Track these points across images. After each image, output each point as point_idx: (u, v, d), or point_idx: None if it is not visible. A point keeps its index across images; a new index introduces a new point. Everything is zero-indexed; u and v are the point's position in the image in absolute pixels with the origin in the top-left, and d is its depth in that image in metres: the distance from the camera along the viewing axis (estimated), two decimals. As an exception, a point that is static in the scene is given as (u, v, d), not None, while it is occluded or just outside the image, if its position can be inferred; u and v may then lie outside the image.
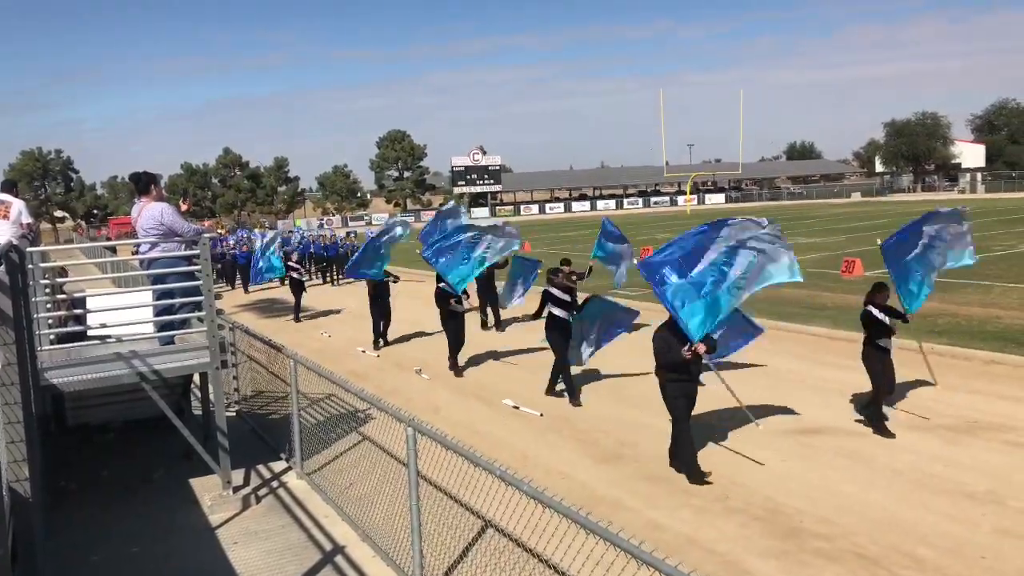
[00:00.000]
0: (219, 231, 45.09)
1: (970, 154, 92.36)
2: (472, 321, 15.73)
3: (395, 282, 16.74)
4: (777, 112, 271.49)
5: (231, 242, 32.69)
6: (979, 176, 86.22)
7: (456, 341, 13.42)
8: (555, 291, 11.11)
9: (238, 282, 29.84)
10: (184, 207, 9.14)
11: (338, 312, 21.97)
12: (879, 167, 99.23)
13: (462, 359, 13.57)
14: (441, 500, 6.99)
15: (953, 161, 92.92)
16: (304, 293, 21.48)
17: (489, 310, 17.58)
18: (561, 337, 11.05)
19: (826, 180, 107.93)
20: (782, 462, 8.45)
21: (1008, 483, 7.50)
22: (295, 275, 21.38)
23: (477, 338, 16.33)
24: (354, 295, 23.66)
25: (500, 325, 17.33)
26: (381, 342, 16.08)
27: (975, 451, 8.34)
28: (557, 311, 11.08)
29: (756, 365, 12.47)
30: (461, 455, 5.01)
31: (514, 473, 4.55)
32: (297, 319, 20.60)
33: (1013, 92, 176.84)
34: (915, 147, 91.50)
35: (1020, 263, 23.19)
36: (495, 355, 14.39)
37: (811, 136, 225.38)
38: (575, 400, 10.94)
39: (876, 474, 7.93)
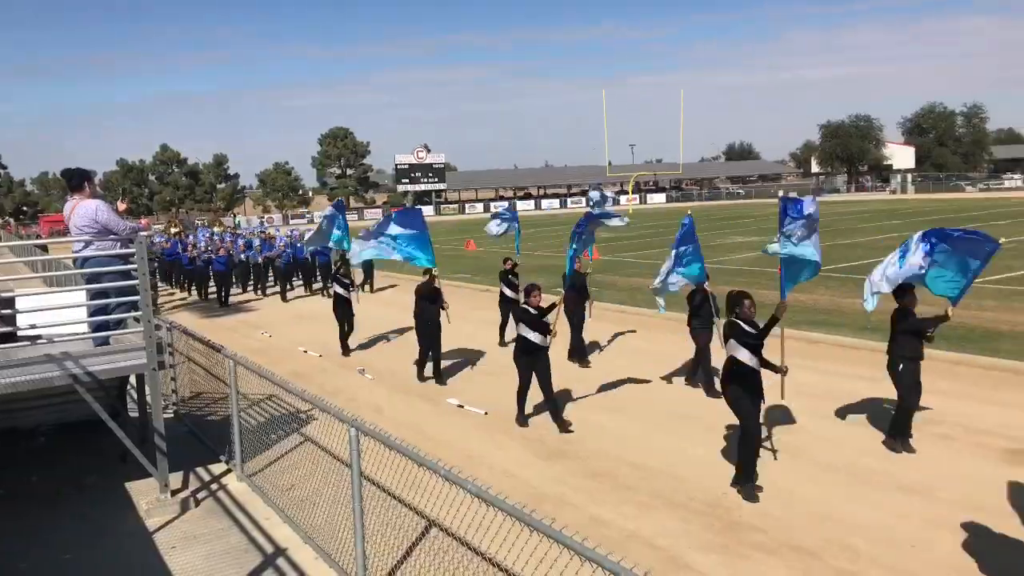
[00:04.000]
0: (171, 232, 40.19)
1: (901, 156, 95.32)
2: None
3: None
4: (717, 113, 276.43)
5: (201, 244, 27.81)
6: (909, 177, 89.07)
7: (433, 346, 12.53)
8: (532, 310, 9.73)
9: (212, 292, 24.84)
10: (121, 207, 8.90)
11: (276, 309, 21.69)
12: (815, 168, 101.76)
13: (408, 358, 13.50)
14: (385, 500, 6.96)
15: (885, 162, 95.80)
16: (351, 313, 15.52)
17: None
18: (530, 364, 9.72)
19: (764, 180, 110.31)
20: (720, 457, 8.62)
21: (936, 475, 7.77)
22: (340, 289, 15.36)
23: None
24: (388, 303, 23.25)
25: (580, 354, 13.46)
26: (343, 349, 15.08)
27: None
28: (531, 335, 9.65)
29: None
30: (405, 455, 4.99)
31: (458, 472, 4.55)
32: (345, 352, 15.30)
33: (940, 96, 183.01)
34: (849, 148, 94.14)
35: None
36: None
37: (749, 137, 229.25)
38: (562, 423, 9.75)
39: (812, 468, 8.14)
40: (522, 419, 10.05)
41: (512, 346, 10.24)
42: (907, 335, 8.58)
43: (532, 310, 9.72)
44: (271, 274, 26.94)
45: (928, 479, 7.69)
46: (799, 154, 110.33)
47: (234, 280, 25.17)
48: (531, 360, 9.74)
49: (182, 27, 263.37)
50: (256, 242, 28.53)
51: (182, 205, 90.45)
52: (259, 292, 25.81)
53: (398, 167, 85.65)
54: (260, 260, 26.37)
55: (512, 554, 4.47)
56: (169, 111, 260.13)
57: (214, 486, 8.42)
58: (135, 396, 9.94)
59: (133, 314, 8.19)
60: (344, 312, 15.11)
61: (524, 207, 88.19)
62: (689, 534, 6.82)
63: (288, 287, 24.75)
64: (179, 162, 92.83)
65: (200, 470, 8.89)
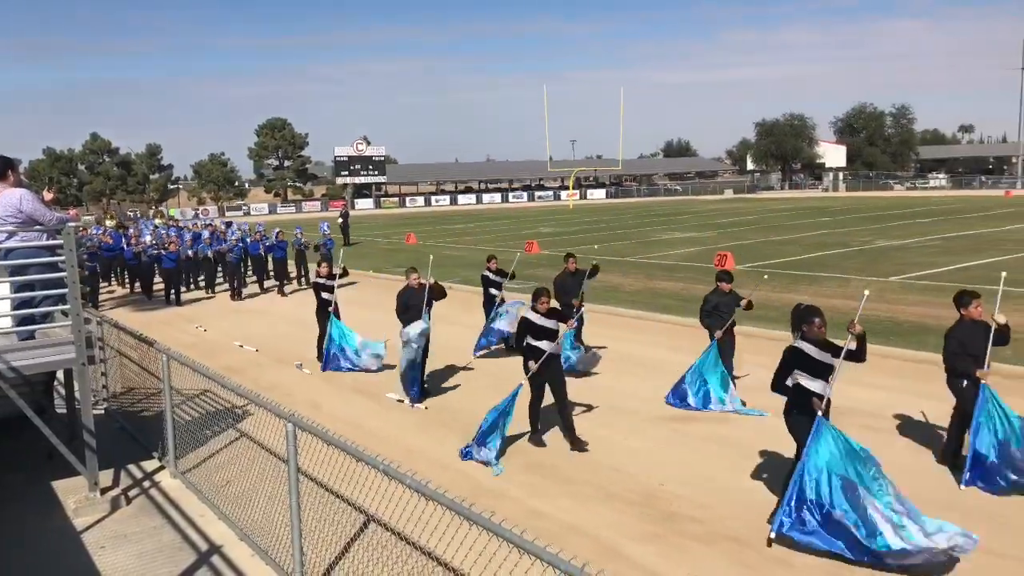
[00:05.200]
0: (108, 224, 37.54)
1: (833, 154, 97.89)
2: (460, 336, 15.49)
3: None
4: (656, 110, 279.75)
5: (146, 238, 25.31)
6: (840, 175, 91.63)
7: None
8: (535, 318, 8.90)
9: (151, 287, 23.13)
10: (48, 196, 8.59)
11: (211, 301, 21.27)
12: (750, 165, 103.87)
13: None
14: (322, 496, 6.89)
15: (818, 161, 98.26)
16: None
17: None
18: (542, 374, 8.82)
19: (701, 177, 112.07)
20: (658, 449, 8.75)
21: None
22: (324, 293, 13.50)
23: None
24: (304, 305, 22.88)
25: None
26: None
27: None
28: (540, 343, 8.82)
29: (633, 355, 12.84)
30: (343, 450, 4.96)
31: (397, 467, 4.53)
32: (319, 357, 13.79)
33: (871, 97, 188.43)
34: (783, 147, 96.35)
35: (876, 258, 24.77)
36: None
37: (687, 134, 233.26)
38: (577, 442, 8.88)
39: (746, 459, 8.32)
40: (537, 437, 9.08)
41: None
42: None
43: (537, 318, 8.81)
44: (220, 270, 24.61)
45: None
46: (735, 152, 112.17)
47: (183, 277, 23.14)
48: (543, 370, 8.79)
49: (113, 11, 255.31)
50: (205, 235, 26.81)
51: (113, 196, 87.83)
52: (209, 290, 23.75)
53: (337, 159, 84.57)
54: (210, 255, 24.06)
55: (451, 548, 4.48)
56: (100, 99, 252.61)
57: (146, 483, 8.23)
58: (63, 392, 9.65)
59: (61, 307, 7.95)
60: (327, 318, 13.20)
61: (466, 201, 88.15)
62: (626, 525, 6.91)
63: (241, 284, 22.93)
64: (110, 151, 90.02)
65: (132, 467, 8.68)
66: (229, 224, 32.07)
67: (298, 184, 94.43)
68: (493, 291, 14.14)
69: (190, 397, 9.45)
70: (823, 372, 6.45)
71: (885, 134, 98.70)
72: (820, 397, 6.38)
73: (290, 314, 18.82)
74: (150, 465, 8.72)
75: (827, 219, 43.26)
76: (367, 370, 12.56)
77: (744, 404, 10.01)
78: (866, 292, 7.27)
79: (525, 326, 8.91)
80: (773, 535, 6.31)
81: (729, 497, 7.39)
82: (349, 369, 12.73)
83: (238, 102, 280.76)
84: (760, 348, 12.33)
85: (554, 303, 9.53)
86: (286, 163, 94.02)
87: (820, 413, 6.31)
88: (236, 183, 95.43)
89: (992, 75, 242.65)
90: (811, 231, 35.77)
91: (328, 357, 12.95)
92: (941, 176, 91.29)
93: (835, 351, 6.44)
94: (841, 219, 42.95)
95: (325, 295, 13.21)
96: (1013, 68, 79.64)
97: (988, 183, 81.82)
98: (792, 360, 6.54)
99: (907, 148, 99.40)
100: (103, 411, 10.62)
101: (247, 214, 73.06)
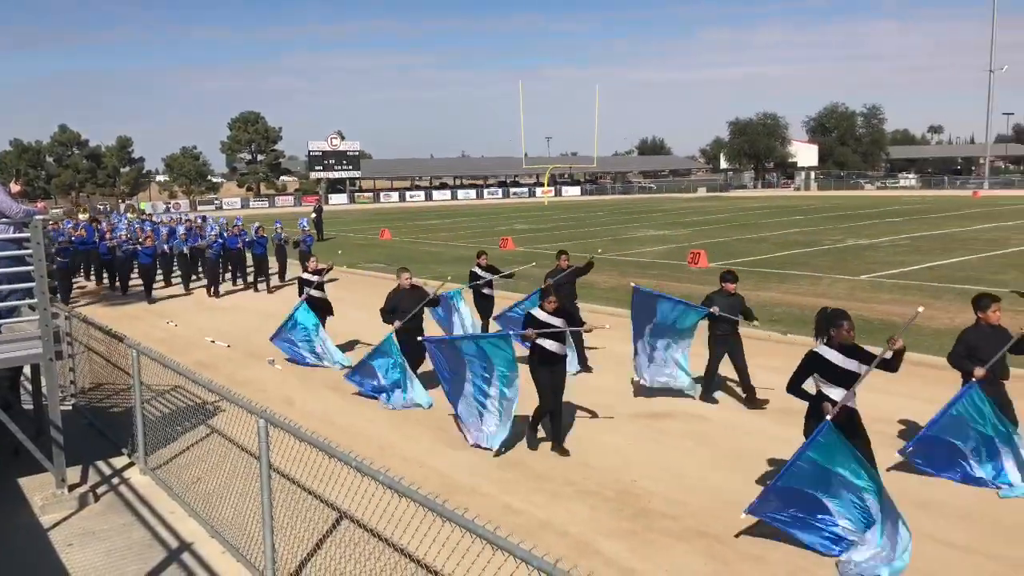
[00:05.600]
0: (80, 217, 36.00)
1: (805, 153, 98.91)
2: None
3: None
4: (631, 109, 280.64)
5: (122, 233, 24.21)
6: (812, 175, 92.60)
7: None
8: (541, 315, 8.73)
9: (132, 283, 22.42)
10: (15, 188, 8.45)
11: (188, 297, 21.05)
12: (723, 164, 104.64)
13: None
14: (295, 493, 6.85)
15: (790, 160, 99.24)
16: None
17: None
18: (549, 376, 8.64)
19: (675, 175, 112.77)
20: (632, 445, 8.79)
21: (833, 460, 8.09)
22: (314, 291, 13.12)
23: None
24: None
25: None
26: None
27: (797, 433, 8.91)
28: (548, 343, 8.60)
29: (607, 351, 12.87)
30: (315, 446, 4.92)
31: (371, 463, 4.51)
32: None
33: (843, 97, 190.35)
34: (756, 146, 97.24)
35: (846, 256, 25.05)
36: (353, 344, 14.17)
37: (661, 133, 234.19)
38: (560, 448, 8.66)
39: (719, 455, 8.38)
40: (534, 442, 8.85)
41: None
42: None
43: (544, 316, 8.63)
44: (199, 266, 23.68)
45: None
46: (709, 150, 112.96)
47: (159, 273, 22.46)
48: (550, 371, 8.62)
49: (84, 1, 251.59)
50: (180, 229, 25.64)
51: (83, 189, 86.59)
52: (185, 287, 22.63)
53: (311, 154, 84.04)
54: (186, 250, 22.99)
55: (424, 544, 4.47)
56: (69, 91, 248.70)
57: (115, 480, 8.13)
58: (29, 388, 9.50)
59: (28, 301, 7.83)
60: (322, 319, 12.85)
61: (440, 197, 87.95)
62: (599, 521, 6.94)
63: (219, 280, 22.11)
64: (79, 144, 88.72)
65: (100, 464, 8.57)
66: (204, 219, 31.31)
67: (271, 178, 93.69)
68: (486, 291, 13.56)
69: (160, 393, 9.34)
70: (845, 380, 6.18)
71: (856, 134, 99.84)
72: (834, 403, 6.16)
73: (264, 309, 18.66)
74: (119, 462, 8.61)
75: (799, 218, 43.67)
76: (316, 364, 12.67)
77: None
78: (919, 309, 6.73)
79: (531, 324, 8.68)
80: (744, 516, 6.28)
81: (703, 493, 7.44)
82: (295, 357, 12.79)
83: (211, 95, 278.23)
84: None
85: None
86: (259, 157, 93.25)
87: (830, 418, 6.02)
88: (208, 177, 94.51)
89: (961, 76, 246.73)
90: (782, 229, 36.09)
91: (281, 335, 12.78)
92: (911, 176, 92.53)
93: (863, 357, 6.20)
94: (812, 218, 43.38)
95: (312, 292, 12.92)
96: (982, 70, 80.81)
97: (956, 183, 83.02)
98: (810, 365, 6.35)
99: (878, 148, 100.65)
100: (71, 407, 10.47)
101: (219, 208, 72.36)
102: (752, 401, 9.94)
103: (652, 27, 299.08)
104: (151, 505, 7.44)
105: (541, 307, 8.76)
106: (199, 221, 29.48)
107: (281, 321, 13.04)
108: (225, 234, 23.54)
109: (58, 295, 18.13)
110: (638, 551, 6.38)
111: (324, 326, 12.88)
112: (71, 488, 7.58)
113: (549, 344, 8.56)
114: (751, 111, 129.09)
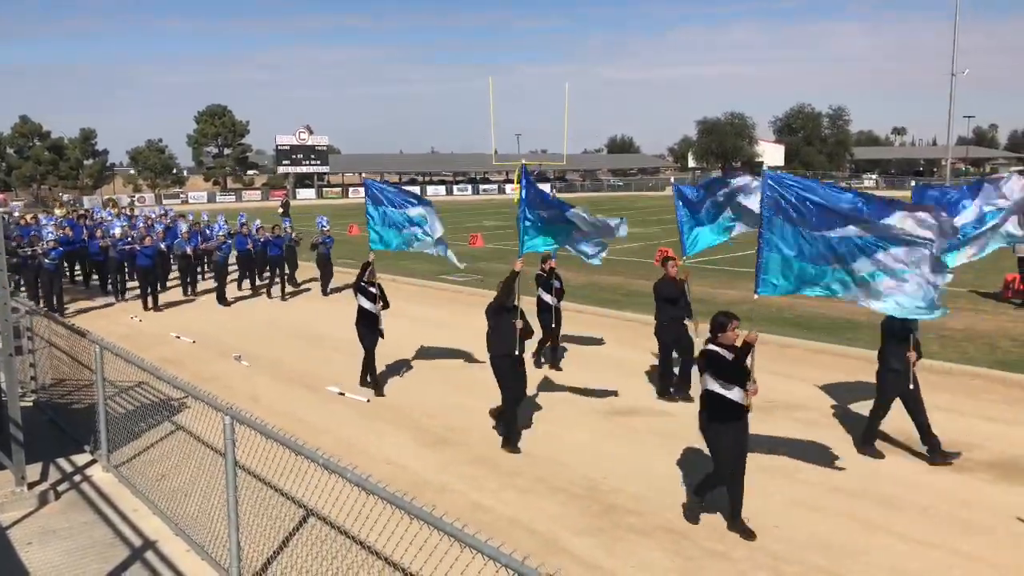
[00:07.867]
0: (61, 213, 33.35)
1: (771, 153, 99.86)
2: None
3: None
4: (601, 106, 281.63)
5: (116, 231, 20.50)
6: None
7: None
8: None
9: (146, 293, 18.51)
10: None
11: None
12: (691, 162, 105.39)
13: (292, 349, 13.18)
14: (261, 490, 6.80)
15: (757, 159, 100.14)
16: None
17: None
18: (518, 372, 8.84)
19: (643, 173, 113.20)
20: (601, 442, 8.84)
21: (799, 457, 8.21)
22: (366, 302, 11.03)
23: (294, 320, 15.97)
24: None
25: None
26: (369, 379, 11.17)
27: (770, 428, 9.05)
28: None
29: (576, 348, 12.93)
30: (282, 443, 4.89)
31: (338, 461, 4.49)
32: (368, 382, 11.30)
33: (809, 98, 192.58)
34: (724, 145, 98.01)
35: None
36: (318, 340, 14.09)
37: (630, 131, 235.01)
38: (515, 446, 8.69)
39: (687, 452, 8.45)
40: (515, 445, 8.74)
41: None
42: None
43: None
44: (205, 269, 21.92)
45: (790, 462, 8.12)
46: (677, 149, 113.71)
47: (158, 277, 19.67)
48: (517, 368, 8.82)
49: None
50: (182, 228, 22.94)
51: (44, 181, 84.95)
52: (189, 292, 20.38)
53: (279, 148, 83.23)
54: (188, 251, 20.40)
55: (392, 542, 4.46)
56: (30, 82, 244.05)
57: (77, 477, 8.00)
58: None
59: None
60: (369, 331, 10.99)
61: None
62: (567, 518, 6.97)
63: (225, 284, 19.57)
64: (41, 135, 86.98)
65: (62, 461, 8.43)
66: (183, 216, 28.18)
67: (239, 172, 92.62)
68: (547, 299, 11.94)
69: (124, 389, 9.21)
70: (736, 375, 6.67)
71: (822, 134, 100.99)
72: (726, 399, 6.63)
73: (234, 307, 18.47)
74: (81, 459, 8.48)
75: (766, 217, 44.07)
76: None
77: None
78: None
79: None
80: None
81: (669, 490, 7.50)
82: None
83: (177, 88, 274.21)
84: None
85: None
86: (226, 151, 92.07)
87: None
88: (174, 170, 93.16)
89: (925, 79, 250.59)
90: (750, 228, 36.40)
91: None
92: (874, 176, 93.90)
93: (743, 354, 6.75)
94: (779, 217, 43.79)
95: (365, 303, 10.97)
96: (944, 73, 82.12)
97: (919, 184, 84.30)
98: (702, 361, 6.81)
99: (843, 148, 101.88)
100: (31, 403, 10.28)
101: (185, 202, 71.39)
102: (681, 392, 10.27)
103: (622, 25, 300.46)
104: (114, 503, 7.33)
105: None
106: (204, 218, 26.05)
107: (245, 317, 12.89)
108: (232, 233, 21.06)
109: (41, 302, 16.97)
110: (606, 547, 6.43)
111: (373, 345, 11.09)
112: (31, 486, 7.45)
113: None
114: (719, 111, 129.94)
